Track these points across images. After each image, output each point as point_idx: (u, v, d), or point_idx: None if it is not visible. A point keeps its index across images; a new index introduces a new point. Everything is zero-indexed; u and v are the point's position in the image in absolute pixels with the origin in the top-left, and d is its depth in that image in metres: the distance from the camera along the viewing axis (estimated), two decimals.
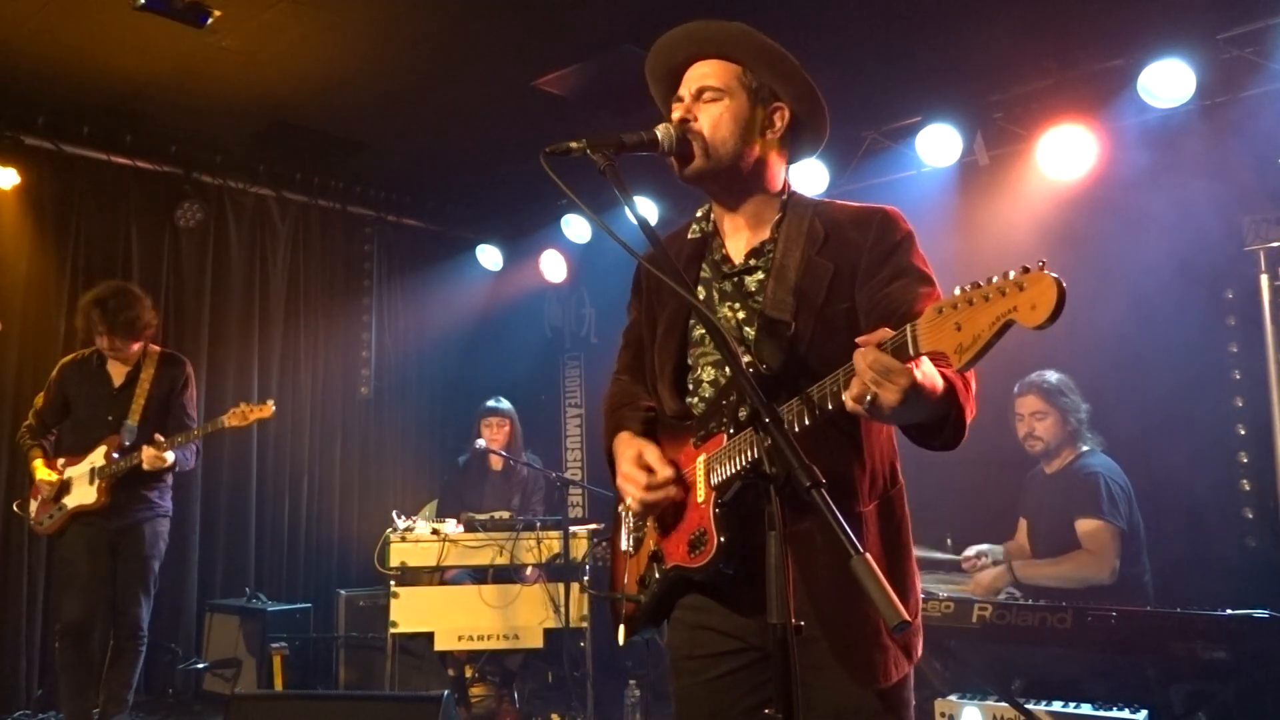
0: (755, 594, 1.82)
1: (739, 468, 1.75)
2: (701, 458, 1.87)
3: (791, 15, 4.24)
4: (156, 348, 4.84)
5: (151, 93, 5.52)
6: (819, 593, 1.78)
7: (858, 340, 1.52)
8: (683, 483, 1.91)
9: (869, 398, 1.50)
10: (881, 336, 1.51)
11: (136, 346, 4.71)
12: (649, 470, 1.89)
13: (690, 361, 2.01)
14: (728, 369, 1.93)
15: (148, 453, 4.47)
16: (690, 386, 2.01)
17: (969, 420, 1.67)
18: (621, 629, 2.05)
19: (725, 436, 1.82)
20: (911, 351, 1.47)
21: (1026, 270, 1.35)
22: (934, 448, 1.71)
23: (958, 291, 1.42)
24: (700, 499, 1.86)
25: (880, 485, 1.90)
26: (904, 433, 1.76)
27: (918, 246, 1.91)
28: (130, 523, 4.61)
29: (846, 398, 1.54)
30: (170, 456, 4.54)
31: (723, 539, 1.77)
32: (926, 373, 1.53)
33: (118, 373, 4.73)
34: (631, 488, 1.90)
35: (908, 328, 1.47)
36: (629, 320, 2.22)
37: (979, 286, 1.40)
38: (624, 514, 2.11)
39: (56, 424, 4.86)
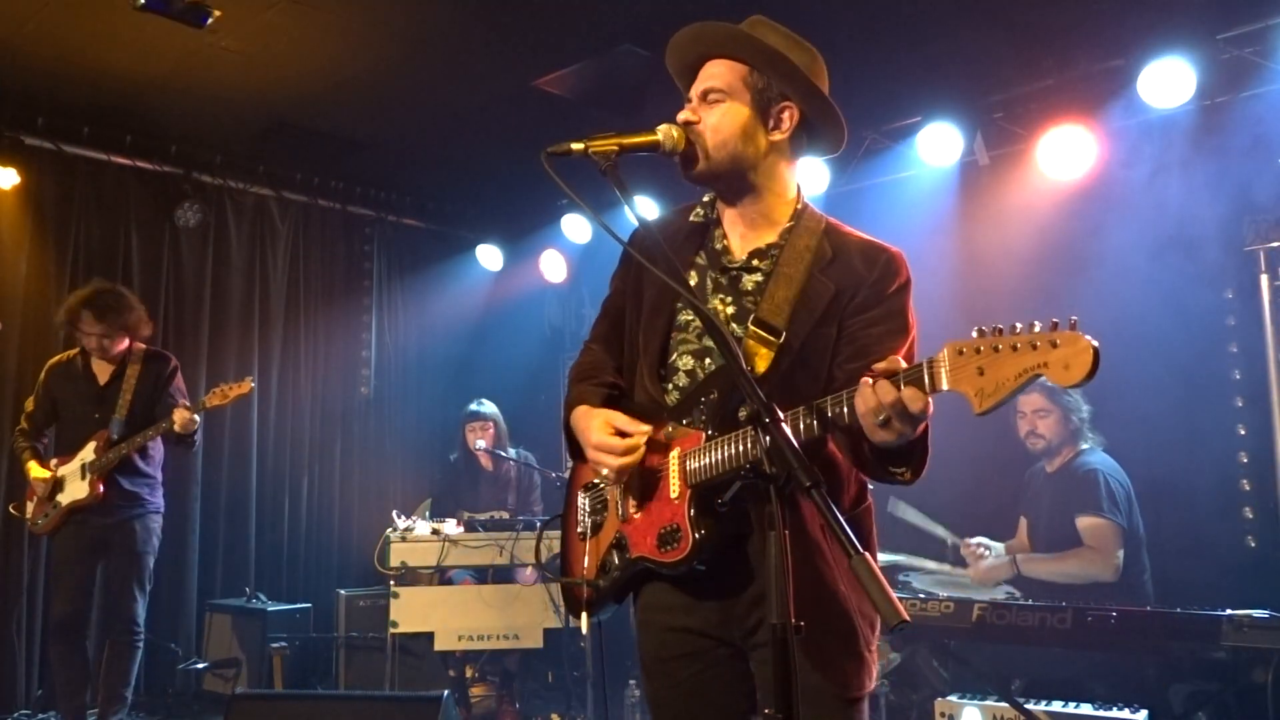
0: (715, 585, 1.85)
1: (716, 467, 1.76)
2: (675, 452, 1.87)
3: (791, 15, 4.24)
4: (141, 345, 4.85)
5: (151, 93, 5.52)
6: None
7: (876, 368, 1.55)
8: (653, 475, 1.90)
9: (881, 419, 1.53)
10: (895, 367, 1.53)
11: (123, 345, 4.73)
12: (622, 435, 1.88)
13: (670, 346, 2.00)
14: (707, 360, 1.93)
15: (182, 415, 4.49)
16: (663, 373, 1.99)
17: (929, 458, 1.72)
18: (584, 616, 2.04)
19: (703, 436, 1.82)
20: (929, 388, 1.50)
21: (1056, 326, 1.36)
22: (895, 478, 1.72)
23: (975, 334, 1.44)
24: (674, 494, 1.85)
25: (849, 502, 1.91)
26: (865, 464, 1.76)
27: (910, 296, 1.93)
28: (122, 519, 4.63)
29: (860, 408, 1.56)
30: (199, 418, 4.59)
31: (698, 536, 1.78)
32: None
33: (102, 371, 4.76)
34: (608, 458, 1.87)
35: (924, 364, 1.50)
36: (610, 290, 2.20)
37: (1004, 335, 1.41)
38: (580, 496, 2.10)
39: (48, 426, 4.91)
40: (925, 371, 1.49)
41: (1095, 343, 1.32)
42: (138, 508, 4.68)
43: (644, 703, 4.68)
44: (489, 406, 6.14)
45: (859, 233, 2.01)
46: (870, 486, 1.98)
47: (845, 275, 1.91)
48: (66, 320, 4.72)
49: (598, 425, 1.90)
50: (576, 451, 2.06)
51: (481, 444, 5.96)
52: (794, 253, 1.93)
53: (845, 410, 1.62)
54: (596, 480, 2.06)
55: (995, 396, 1.41)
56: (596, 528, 2.03)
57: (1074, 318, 1.35)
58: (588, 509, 2.07)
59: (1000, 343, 1.41)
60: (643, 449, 1.87)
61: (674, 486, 1.86)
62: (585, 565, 2.04)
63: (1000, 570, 4.19)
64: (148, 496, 4.73)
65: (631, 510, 1.93)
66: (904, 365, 1.53)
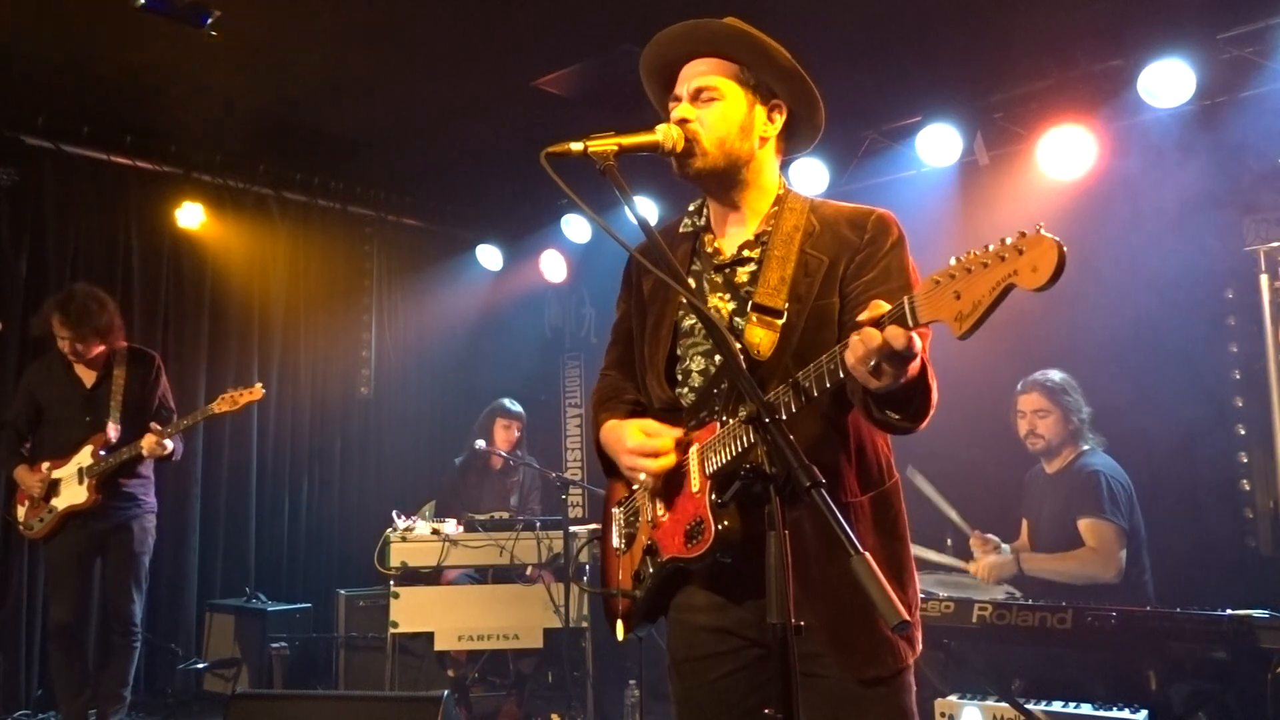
0: (750, 584, 1.82)
1: (733, 454, 1.76)
2: (695, 447, 1.88)
3: (792, 15, 4.24)
4: (124, 344, 4.80)
5: (151, 93, 5.52)
6: (811, 582, 1.78)
7: (859, 319, 1.55)
8: (678, 470, 1.91)
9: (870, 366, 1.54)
10: (879, 311, 1.54)
11: (98, 350, 4.67)
12: (655, 439, 1.89)
13: (680, 352, 2.02)
14: (718, 357, 1.94)
15: (149, 441, 4.49)
16: (679, 377, 2.02)
17: (933, 401, 1.72)
18: (620, 624, 2.05)
19: (718, 424, 1.83)
20: (910, 323, 1.50)
21: (1024, 235, 1.38)
22: (897, 424, 1.73)
23: (953, 262, 1.45)
24: (695, 489, 1.86)
25: (874, 478, 1.92)
26: (870, 413, 1.76)
27: (907, 251, 1.94)
28: (119, 522, 4.61)
29: (849, 359, 1.57)
30: (169, 444, 4.58)
31: (720, 527, 1.78)
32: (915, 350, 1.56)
33: (87, 374, 4.71)
34: (643, 461, 1.88)
35: (905, 300, 1.50)
36: (618, 315, 2.23)
37: (975, 255, 1.42)
38: (615, 513, 2.12)
39: (30, 431, 4.80)
40: (906, 308, 1.50)
41: (1058, 240, 1.34)
42: (134, 508, 4.67)
43: (645, 704, 4.68)
44: (519, 406, 6.15)
45: (845, 204, 2.03)
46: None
47: (836, 245, 1.93)
48: (41, 322, 4.66)
49: (630, 432, 1.93)
50: (610, 469, 2.09)
51: (481, 443, 5.93)
52: (782, 236, 1.95)
53: (824, 376, 1.63)
54: (632, 490, 2.07)
55: (973, 316, 1.41)
56: (630, 540, 2.04)
57: (1040, 223, 1.37)
58: (622, 523, 2.08)
59: (972, 264, 1.42)
60: (674, 453, 1.88)
61: (695, 480, 1.86)
62: (620, 578, 2.05)
63: (1004, 567, 4.18)
64: (143, 496, 4.72)
65: (659, 514, 1.93)
66: (886, 308, 1.54)
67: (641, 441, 1.89)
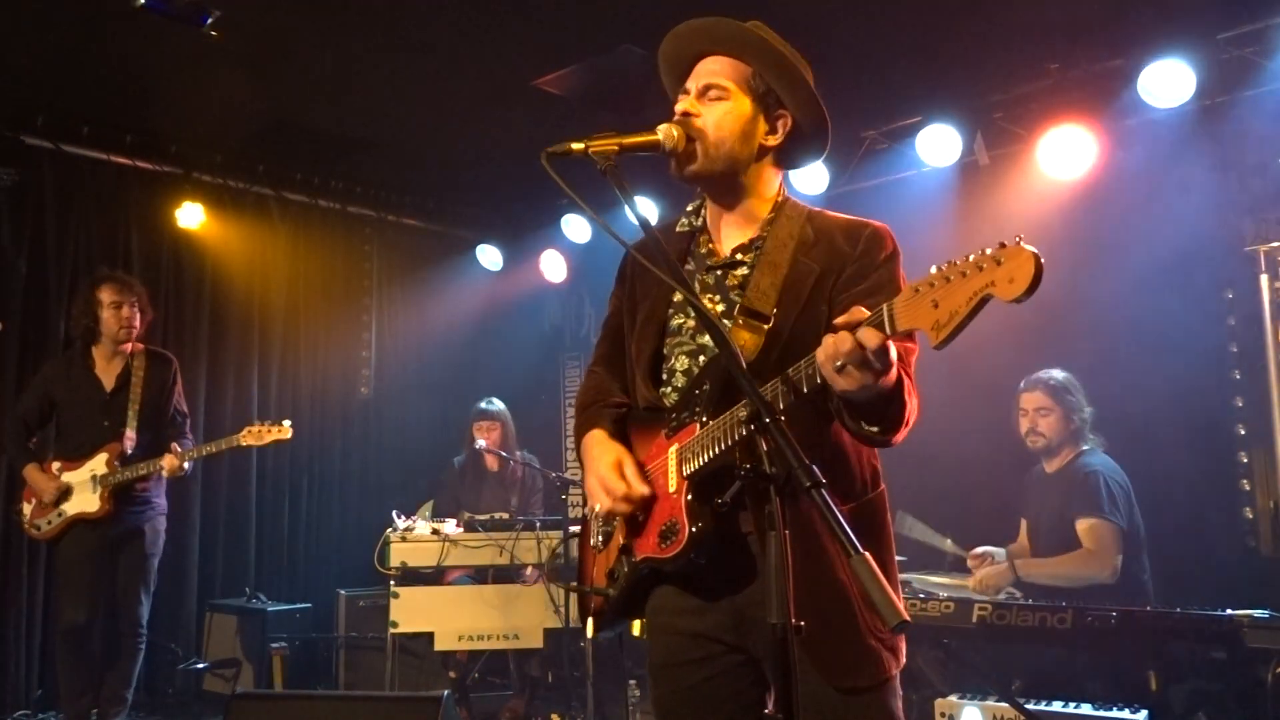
0: (725, 586, 1.85)
1: (711, 456, 1.76)
2: (674, 448, 1.88)
3: (792, 14, 4.24)
4: (141, 345, 4.80)
5: (151, 93, 5.52)
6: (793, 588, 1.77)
7: (836, 322, 1.55)
8: (653, 486, 1.92)
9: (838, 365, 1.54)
10: (858, 316, 1.53)
11: (138, 327, 4.69)
12: (626, 483, 1.90)
13: (666, 351, 2.02)
14: (702, 358, 1.95)
15: (171, 462, 4.51)
16: (664, 376, 2.01)
17: (909, 416, 1.72)
18: (590, 622, 2.05)
19: (698, 426, 1.83)
20: (889, 329, 1.50)
21: (1003, 245, 1.37)
22: (872, 436, 1.73)
23: (933, 270, 1.45)
24: (672, 489, 1.86)
25: (860, 487, 1.91)
26: (844, 421, 1.76)
27: (900, 265, 1.93)
28: (131, 525, 4.61)
29: (819, 357, 1.57)
30: (188, 466, 4.60)
31: (694, 529, 1.78)
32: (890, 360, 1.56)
33: (107, 376, 4.68)
34: (604, 495, 1.91)
35: (884, 307, 1.50)
36: (609, 310, 2.22)
37: (954, 264, 1.42)
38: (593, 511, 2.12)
39: (41, 427, 4.78)
40: (885, 315, 1.50)
41: (1036, 251, 1.34)
42: (148, 511, 4.67)
43: (644, 704, 4.68)
44: (498, 405, 6.11)
45: (842, 215, 2.02)
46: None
47: (829, 255, 1.92)
48: (86, 305, 4.64)
49: (609, 462, 1.93)
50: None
51: (482, 443, 5.94)
52: (777, 242, 1.95)
53: (814, 371, 1.62)
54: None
55: (950, 325, 1.41)
56: (608, 538, 2.04)
57: (1019, 235, 1.37)
58: (600, 522, 2.08)
59: (951, 273, 1.42)
60: (635, 504, 1.89)
61: (671, 481, 1.86)
62: (595, 575, 2.06)
63: (999, 577, 4.18)
64: (155, 499, 4.72)
65: (637, 514, 1.93)
66: (865, 313, 1.54)
67: (610, 477, 1.90)
